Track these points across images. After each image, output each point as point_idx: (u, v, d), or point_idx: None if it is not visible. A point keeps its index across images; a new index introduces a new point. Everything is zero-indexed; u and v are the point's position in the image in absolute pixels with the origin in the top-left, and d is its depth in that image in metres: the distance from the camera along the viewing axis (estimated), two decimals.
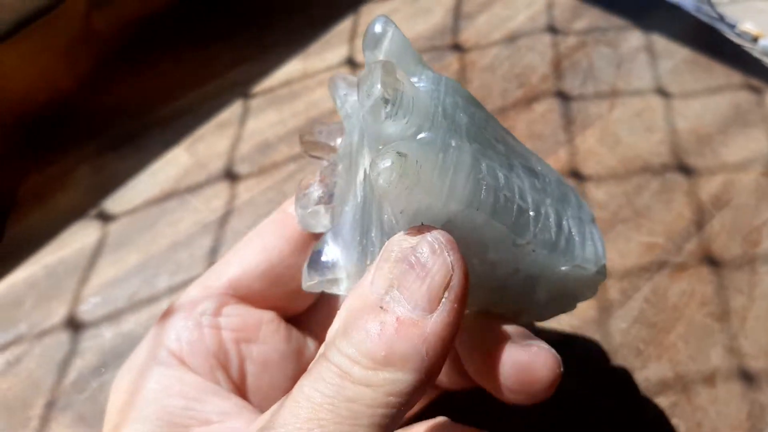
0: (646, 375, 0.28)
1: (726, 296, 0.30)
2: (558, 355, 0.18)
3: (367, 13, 0.41)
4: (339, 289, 0.18)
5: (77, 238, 0.32)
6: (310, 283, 0.19)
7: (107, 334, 0.29)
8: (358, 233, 0.18)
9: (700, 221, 0.32)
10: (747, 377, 0.28)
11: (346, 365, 0.14)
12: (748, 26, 0.48)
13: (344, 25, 0.40)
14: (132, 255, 0.31)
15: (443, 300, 0.14)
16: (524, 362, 0.18)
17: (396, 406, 0.14)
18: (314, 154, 0.21)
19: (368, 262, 0.17)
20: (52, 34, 0.35)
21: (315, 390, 0.14)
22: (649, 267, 0.31)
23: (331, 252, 0.18)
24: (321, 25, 0.40)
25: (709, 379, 0.28)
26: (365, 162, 0.18)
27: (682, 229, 0.32)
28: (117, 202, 0.33)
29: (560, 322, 0.29)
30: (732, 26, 0.44)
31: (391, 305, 0.14)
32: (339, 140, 0.21)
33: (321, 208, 0.20)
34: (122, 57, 0.38)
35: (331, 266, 0.18)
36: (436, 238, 0.15)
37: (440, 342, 0.14)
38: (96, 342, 0.29)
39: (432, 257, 0.15)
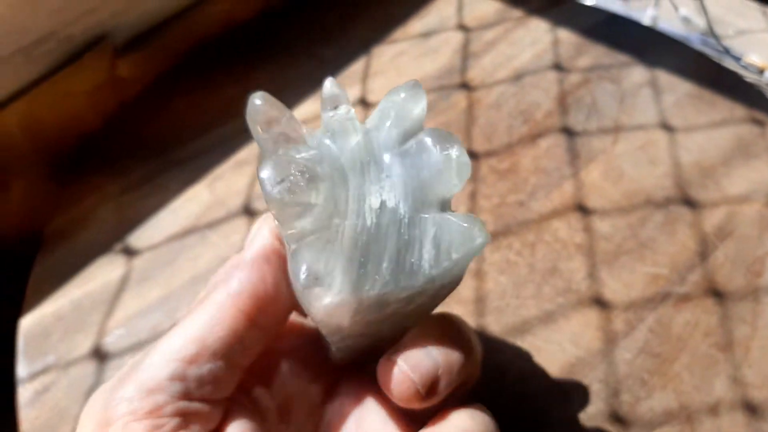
0: (651, 405, 0.29)
1: (730, 326, 0.31)
2: (412, 373, 0.19)
3: (378, 54, 0.42)
4: (322, 301, 0.18)
5: (102, 273, 0.34)
6: (301, 293, 0.18)
7: None
8: (360, 255, 0.18)
9: (703, 252, 0.33)
10: (750, 407, 0.29)
11: None
12: (753, 58, 0.49)
13: (356, 67, 0.42)
14: (154, 289, 0.33)
15: None
16: (381, 377, 0.20)
17: None
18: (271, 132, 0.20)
19: (367, 288, 0.18)
20: (80, 80, 0.37)
21: None
22: (653, 298, 0.32)
23: (320, 259, 0.18)
24: (333, 66, 0.41)
25: (714, 409, 0.29)
26: (376, 187, 0.19)
27: (686, 260, 0.33)
28: (139, 238, 0.35)
29: (565, 353, 0.30)
30: (738, 59, 0.45)
31: None
32: (304, 130, 0.20)
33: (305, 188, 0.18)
34: (144, 100, 0.41)
35: (323, 274, 0.18)
36: None
37: None
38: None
39: None
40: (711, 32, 0.52)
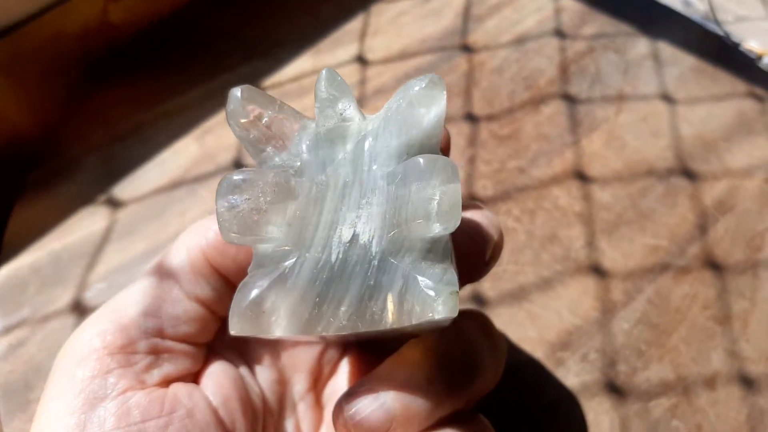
0: (648, 376, 0.28)
1: (728, 300, 0.30)
2: (354, 430, 0.18)
3: (377, 12, 0.41)
4: (274, 333, 0.16)
5: (84, 225, 0.32)
6: (241, 327, 0.16)
7: None
8: (316, 294, 0.16)
9: (703, 225, 0.32)
10: (747, 381, 0.28)
11: None
12: (752, 44, 0.48)
13: (354, 24, 0.40)
14: (139, 243, 0.32)
15: None
16: (333, 420, 0.18)
17: None
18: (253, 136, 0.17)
19: (319, 329, 0.16)
20: (70, 21, 0.35)
21: None
22: (652, 269, 0.31)
23: (268, 296, 0.16)
24: (331, 23, 0.40)
25: (710, 382, 0.28)
26: (352, 215, 0.16)
27: (685, 232, 0.32)
28: (125, 190, 0.33)
29: (562, 320, 0.29)
30: (737, 44, 0.44)
31: None
32: (296, 125, 0.17)
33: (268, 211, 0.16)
34: (134, 50, 0.39)
35: (269, 311, 0.16)
36: None
37: None
38: None
39: None
40: (712, 16, 0.51)
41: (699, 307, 0.30)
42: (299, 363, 0.22)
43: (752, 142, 0.35)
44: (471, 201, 0.21)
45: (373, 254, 0.16)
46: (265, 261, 0.16)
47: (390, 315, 0.15)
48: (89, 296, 0.30)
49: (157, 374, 0.18)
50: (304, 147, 0.17)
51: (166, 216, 0.32)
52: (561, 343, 0.29)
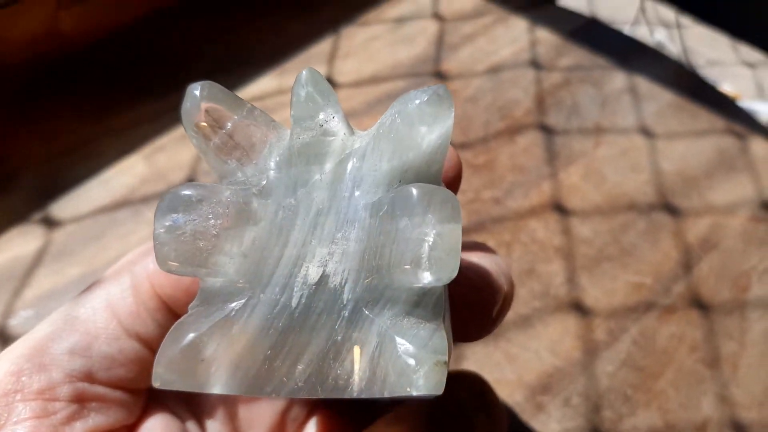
0: (635, 423, 0.26)
1: (716, 342, 0.28)
2: None
3: (348, 35, 0.39)
4: (211, 389, 0.12)
5: (14, 245, 0.29)
6: (168, 378, 0.12)
7: None
8: (268, 345, 0.13)
9: (688, 263, 0.31)
10: (740, 429, 0.26)
11: None
12: (726, 88, 0.48)
13: (323, 46, 0.38)
14: (73, 267, 0.28)
15: None
16: None
17: None
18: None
19: (268, 390, 0.12)
20: (18, 25, 0.33)
21: None
22: (636, 308, 0.29)
23: (209, 343, 0.13)
24: (298, 42, 0.38)
25: (701, 429, 0.26)
26: (324, 251, 0.13)
27: (669, 270, 0.30)
28: (63, 208, 0.30)
29: (542, 361, 0.27)
30: (713, 86, 0.44)
31: None
32: (269, 136, 0.14)
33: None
34: (86, 60, 0.36)
35: (207, 361, 0.12)
36: None
37: None
38: None
39: None
40: (685, 59, 0.51)
41: (686, 349, 0.28)
42: (259, 420, 0.18)
43: (733, 179, 0.34)
44: (476, 241, 0.17)
45: (344, 302, 0.13)
46: (211, 297, 0.13)
47: (357, 381, 0.12)
48: (14, 324, 0.27)
49: (80, 428, 0.14)
50: (272, 163, 0.14)
51: (106, 239, 0.29)
52: (541, 386, 0.26)
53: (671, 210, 0.33)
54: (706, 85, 0.39)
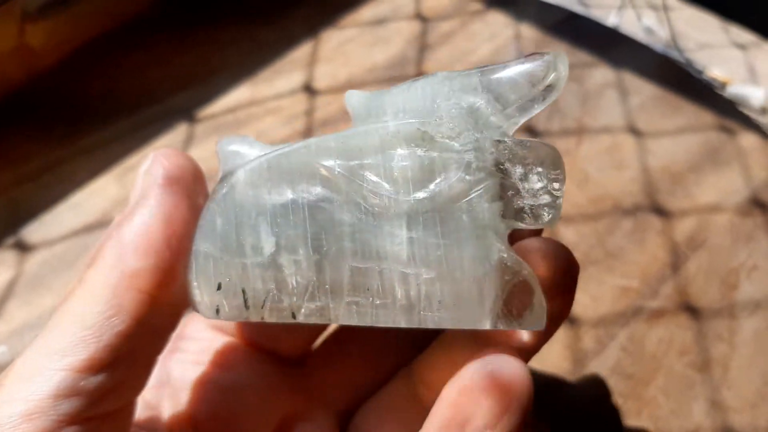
0: None
1: (706, 344, 0.28)
2: None
3: (326, 39, 0.38)
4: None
5: None
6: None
7: None
8: None
9: (675, 263, 0.30)
10: None
11: None
12: (716, 72, 0.47)
13: (296, 52, 0.37)
14: (46, 298, 0.27)
15: None
16: None
17: None
18: None
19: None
20: None
21: None
22: (624, 312, 0.28)
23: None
24: (271, 51, 0.37)
25: None
26: None
27: (657, 271, 0.30)
28: (32, 235, 0.29)
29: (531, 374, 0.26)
30: (699, 72, 0.43)
31: None
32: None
33: None
34: (54, 75, 0.35)
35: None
36: None
37: None
38: None
39: None
40: (674, 44, 0.50)
41: (676, 353, 0.28)
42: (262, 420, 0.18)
43: (720, 173, 0.34)
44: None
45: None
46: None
47: None
48: None
49: None
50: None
51: (80, 265, 0.28)
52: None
53: (657, 209, 0.32)
54: (691, 76, 0.39)
